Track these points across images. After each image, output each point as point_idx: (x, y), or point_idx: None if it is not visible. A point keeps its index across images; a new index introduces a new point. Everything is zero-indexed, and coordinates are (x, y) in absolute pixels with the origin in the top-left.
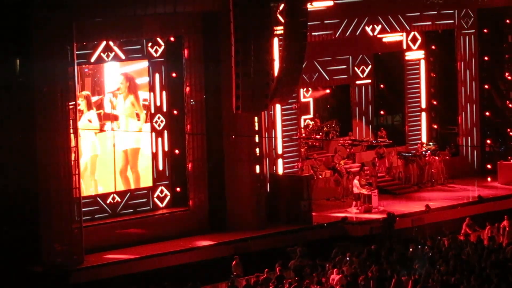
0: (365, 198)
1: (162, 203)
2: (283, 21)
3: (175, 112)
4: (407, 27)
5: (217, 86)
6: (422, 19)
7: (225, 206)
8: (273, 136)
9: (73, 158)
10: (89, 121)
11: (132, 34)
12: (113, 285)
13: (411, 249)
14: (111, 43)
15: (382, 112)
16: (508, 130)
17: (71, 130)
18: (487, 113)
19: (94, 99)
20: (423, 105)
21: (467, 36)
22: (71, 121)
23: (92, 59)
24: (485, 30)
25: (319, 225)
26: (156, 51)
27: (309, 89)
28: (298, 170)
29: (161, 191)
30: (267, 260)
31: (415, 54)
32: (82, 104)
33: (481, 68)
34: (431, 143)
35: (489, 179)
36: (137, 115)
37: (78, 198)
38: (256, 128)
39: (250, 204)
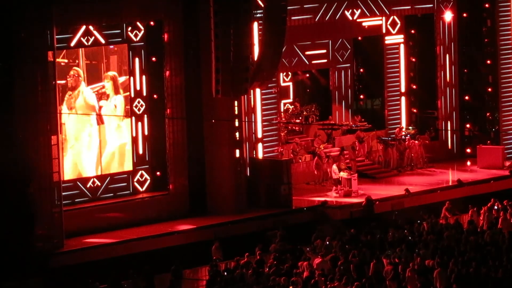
0: (345, 182)
1: (142, 187)
2: (262, 5)
3: (155, 96)
4: (387, 11)
5: (197, 70)
6: (401, 3)
7: (205, 190)
8: (253, 120)
9: (53, 142)
10: (115, 106)
11: (112, 18)
12: (93, 269)
13: (390, 233)
14: (91, 27)
15: (361, 96)
16: (488, 114)
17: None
18: (467, 97)
19: (121, 79)
20: (403, 89)
21: (446, 23)
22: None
23: (72, 44)
24: (465, 15)
25: (299, 209)
26: (136, 35)
27: (289, 73)
28: (278, 154)
29: (141, 175)
30: (247, 244)
31: (395, 39)
32: (108, 86)
33: (461, 52)
34: (410, 127)
35: (468, 163)
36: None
37: (58, 182)
38: (236, 112)
39: (230, 188)
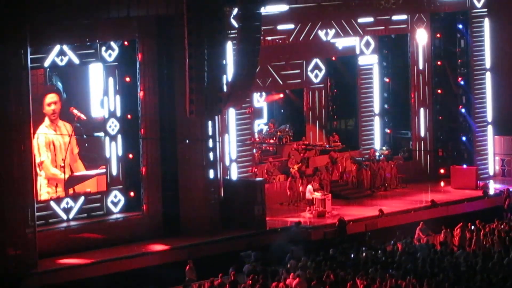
0: (319, 202)
1: (116, 207)
2: (236, 25)
3: (129, 116)
4: (360, 31)
5: (171, 90)
6: (375, 24)
7: (178, 211)
8: (227, 140)
9: (27, 162)
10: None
11: (86, 38)
12: None
13: (364, 254)
14: (65, 47)
15: (335, 117)
16: (461, 134)
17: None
18: (440, 118)
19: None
20: (376, 110)
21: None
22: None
23: (46, 64)
24: (438, 35)
25: (273, 230)
26: (110, 55)
27: (263, 93)
28: (252, 175)
29: (115, 196)
30: (221, 264)
31: (368, 59)
32: None
33: (434, 73)
34: (384, 148)
35: (442, 183)
36: None
37: (32, 202)
38: (210, 132)
39: (203, 209)
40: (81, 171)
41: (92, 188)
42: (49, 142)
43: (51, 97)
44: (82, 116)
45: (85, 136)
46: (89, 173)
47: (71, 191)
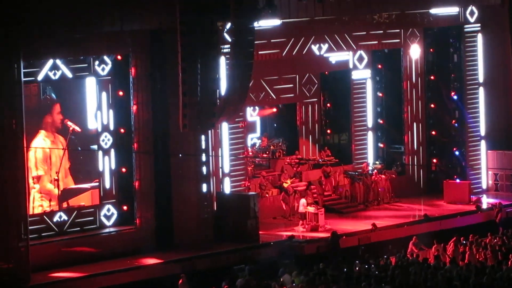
0: (312, 216)
1: (109, 221)
2: (230, 40)
3: (122, 130)
4: (354, 46)
5: (164, 104)
6: (369, 38)
7: (172, 225)
8: (220, 154)
9: (20, 176)
10: None
11: (79, 52)
12: None
13: (357, 268)
14: (58, 61)
15: (328, 131)
16: (454, 149)
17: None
18: (433, 132)
19: None
20: (370, 124)
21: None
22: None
23: (40, 78)
24: (431, 50)
25: (266, 244)
26: (103, 69)
27: (256, 107)
28: (245, 189)
29: (108, 210)
30: (215, 278)
31: (362, 73)
32: None
33: (427, 87)
34: (377, 162)
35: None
36: None
37: (25, 216)
38: (203, 146)
39: (197, 223)
40: (71, 186)
41: (85, 201)
42: (47, 156)
43: (58, 107)
44: (77, 128)
45: (80, 149)
46: (84, 187)
47: (65, 205)
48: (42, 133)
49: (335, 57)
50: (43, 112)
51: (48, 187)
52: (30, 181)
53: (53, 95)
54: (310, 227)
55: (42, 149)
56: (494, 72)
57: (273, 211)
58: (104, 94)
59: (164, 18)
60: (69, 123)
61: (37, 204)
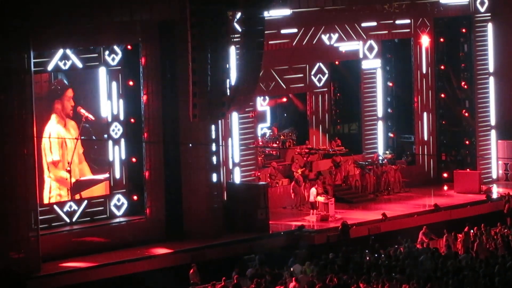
0: (322, 206)
1: (119, 211)
2: (240, 29)
3: (132, 120)
4: (364, 36)
5: (174, 94)
6: (379, 28)
7: (182, 215)
8: (230, 144)
9: (31, 166)
10: None
11: (89, 42)
12: None
13: (367, 258)
14: (68, 51)
15: (338, 121)
16: (465, 138)
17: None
18: (443, 122)
19: None
20: (380, 114)
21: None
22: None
23: (50, 68)
24: (442, 40)
25: (276, 233)
26: (113, 59)
27: (266, 97)
28: (255, 179)
29: (118, 199)
30: (225, 268)
31: (372, 63)
32: None
33: (438, 77)
34: (387, 152)
35: (445, 187)
36: None
37: (35, 206)
38: (213, 136)
39: (207, 212)
40: (87, 176)
41: (96, 192)
42: (62, 141)
43: (70, 92)
44: (90, 117)
45: (94, 138)
46: (97, 178)
47: (77, 196)
48: (54, 117)
49: (345, 47)
50: (54, 97)
51: (64, 176)
52: (45, 169)
53: (65, 81)
54: (320, 217)
55: (57, 133)
56: (504, 62)
57: (283, 200)
58: (114, 84)
59: (174, 8)
60: (82, 110)
61: (54, 193)
